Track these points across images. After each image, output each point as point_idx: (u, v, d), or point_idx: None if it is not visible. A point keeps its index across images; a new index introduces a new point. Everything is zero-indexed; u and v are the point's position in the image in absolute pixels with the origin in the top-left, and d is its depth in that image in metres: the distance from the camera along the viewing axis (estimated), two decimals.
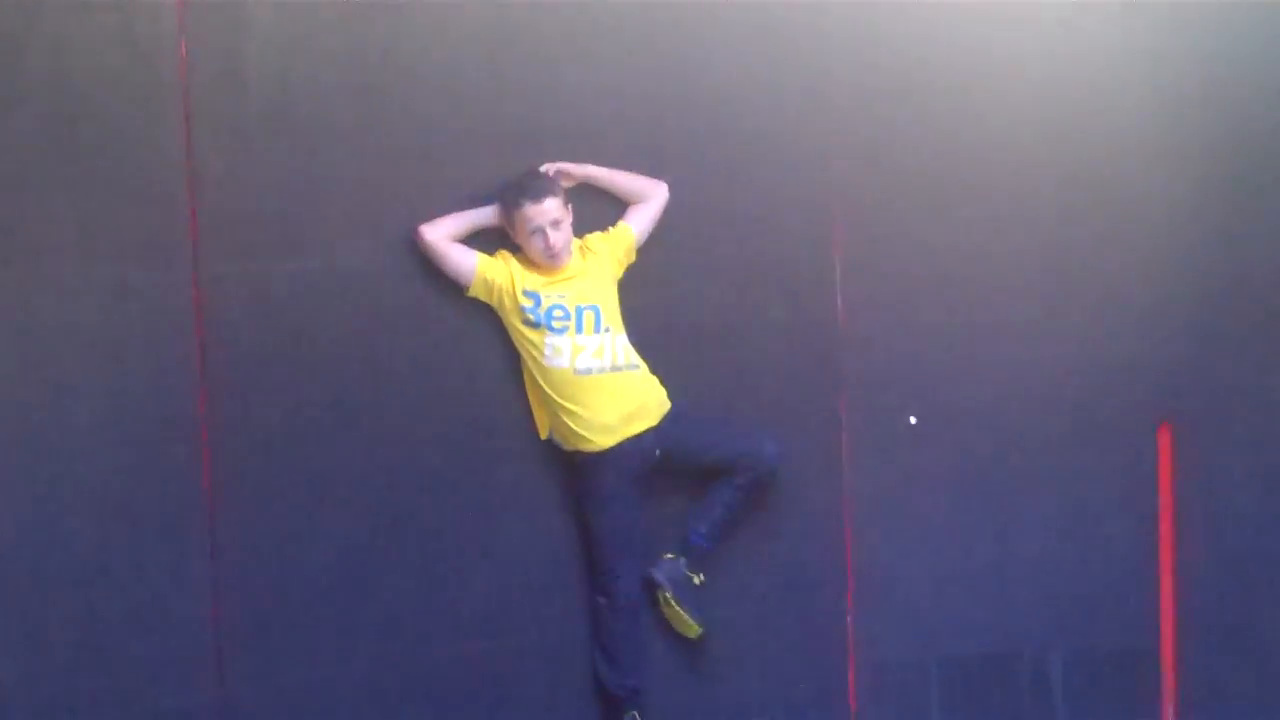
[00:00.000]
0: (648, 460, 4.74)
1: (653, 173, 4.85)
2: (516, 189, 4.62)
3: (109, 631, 4.32)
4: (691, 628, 4.86)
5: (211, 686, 4.45)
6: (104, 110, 4.31)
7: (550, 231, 4.59)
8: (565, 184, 4.65)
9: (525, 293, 4.63)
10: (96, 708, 4.29)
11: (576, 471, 4.77)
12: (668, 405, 4.80)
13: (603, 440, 4.69)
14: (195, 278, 4.43)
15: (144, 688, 4.36)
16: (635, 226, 4.77)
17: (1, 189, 4.20)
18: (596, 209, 4.76)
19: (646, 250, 4.83)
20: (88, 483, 4.30)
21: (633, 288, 4.78)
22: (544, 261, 4.64)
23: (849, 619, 5.07)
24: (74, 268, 4.30)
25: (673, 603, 4.82)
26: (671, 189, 4.84)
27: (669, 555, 4.85)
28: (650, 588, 4.85)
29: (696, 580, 4.86)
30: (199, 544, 4.44)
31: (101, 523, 4.32)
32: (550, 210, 4.60)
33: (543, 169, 4.62)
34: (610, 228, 4.78)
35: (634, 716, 4.85)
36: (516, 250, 4.70)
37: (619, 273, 4.76)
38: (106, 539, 4.32)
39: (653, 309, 4.78)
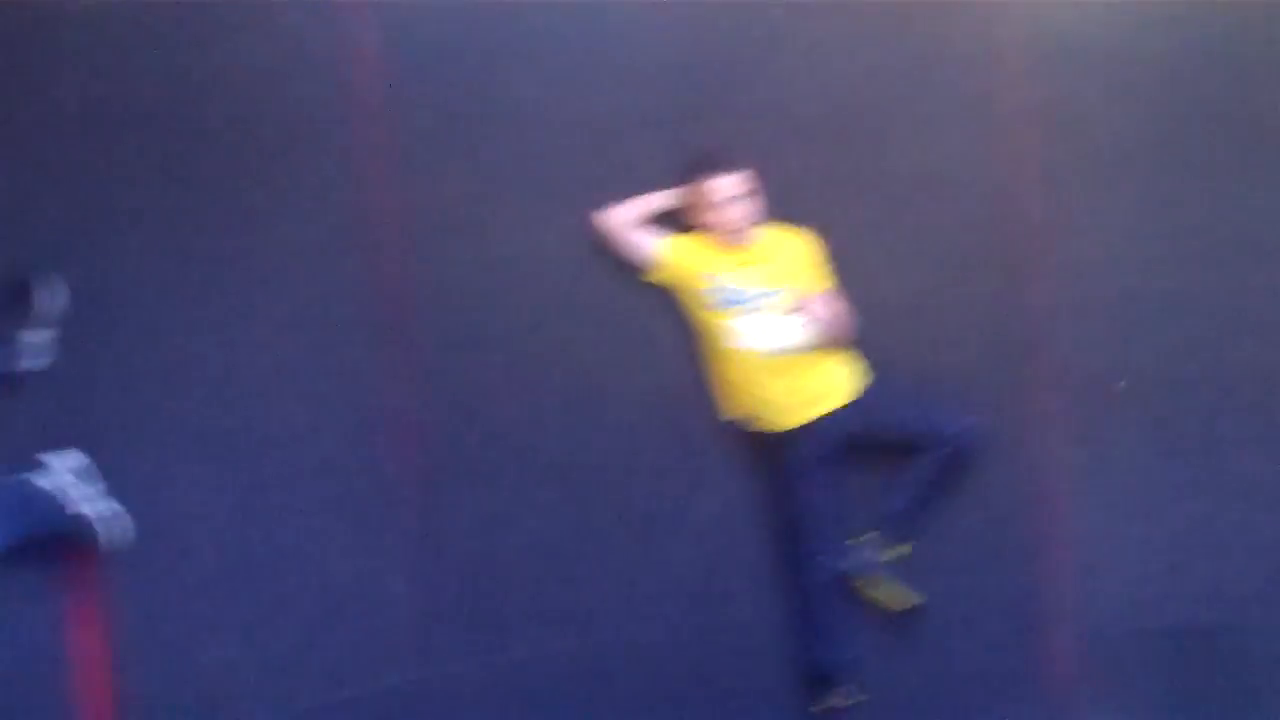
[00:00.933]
0: (840, 438, 4.71)
1: (835, 139, 4.78)
2: (703, 162, 4.61)
3: (320, 613, 4.52)
4: (904, 600, 4.84)
5: (417, 665, 4.61)
6: (283, 112, 4.46)
7: (736, 205, 4.56)
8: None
9: (709, 276, 4.62)
10: (310, 685, 4.48)
11: (767, 451, 4.76)
12: (859, 383, 4.72)
13: (789, 420, 4.68)
14: (387, 269, 4.54)
15: (353, 666, 4.54)
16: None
17: (206, 188, 4.36)
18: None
19: (833, 223, 4.77)
20: (298, 471, 4.48)
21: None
22: (727, 237, 4.61)
23: (1058, 589, 4.96)
24: (278, 261, 4.47)
25: (878, 584, 4.81)
26: (859, 157, 4.79)
27: (862, 538, 4.80)
28: (855, 573, 4.82)
29: (900, 554, 4.82)
30: (404, 527, 4.59)
31: (311, 509, 4.50)
32: (737, 183, 4.56)
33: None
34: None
35: (843, 692, 4.83)
36: (697, 232, 4.64)
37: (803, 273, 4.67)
38: (316, 524, 4.51)
39: (842, 285, 4.70)
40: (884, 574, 4.80)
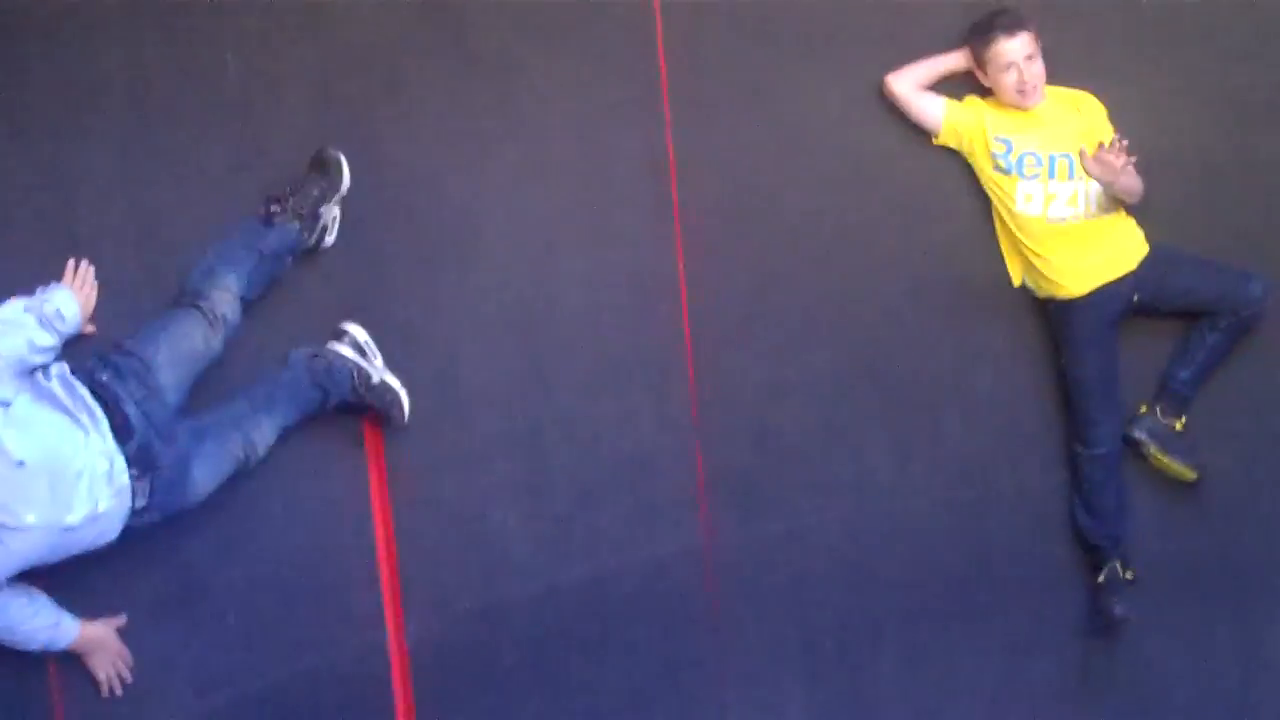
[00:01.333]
0: (1126, 305, 4.60)
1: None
2: (988, 24, 4.48)
3: (600, 484, 4.54)
4: (1185, 474, 4.75)
5: (697, 533, 4.63)
6: None
7: (1024, 65, 4.44)
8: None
9: (997, 139, 4.51)
10: (590, 554, 4.54)
11: (1051, 318, 4.68)
12: (1145, 249, 4.61)
13: (1077, 287, 4.57)
14: (669, 137, 4.49)
15: (633, 536, 4.58)
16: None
17: (494, 64, 4.35)
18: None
19: (1121, 81, 4.64)
20: (576, 344, 4.50)
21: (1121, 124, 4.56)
22: (1016, 99, 4.49)
23: None
24: (555, 136, 4.45)
25: (1160, 456, 4.72)
26: (1142, 12, 4.65)
27: (1144, 408, 4.71)
28: (1134, 445, 4.72)
29: (1178, 426, 4.71)
30: (681, 396, 4.59)
31: (590, 378, 4.51)
32: (1024, 44, 4.44)
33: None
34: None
35: (1115, 567, 4.77)
36: (986, 95, 4.51)
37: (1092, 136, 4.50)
38: (595, 394, 4.52)
39: (1142, 142, 4.50)
40: (1168, 448, 4.68)
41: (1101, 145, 4.35)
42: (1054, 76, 4.50)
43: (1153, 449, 4.69)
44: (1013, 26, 4.43)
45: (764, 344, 4.61)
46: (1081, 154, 4.36)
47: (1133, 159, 4.36)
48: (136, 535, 3.74)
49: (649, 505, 4.57)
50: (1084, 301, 4.56)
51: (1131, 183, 4.43)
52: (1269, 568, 4.85)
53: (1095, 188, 4.46)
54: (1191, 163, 4.68)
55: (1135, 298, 4.57)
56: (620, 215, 4.47)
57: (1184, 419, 4.72)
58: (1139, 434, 4.69)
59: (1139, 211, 4.59)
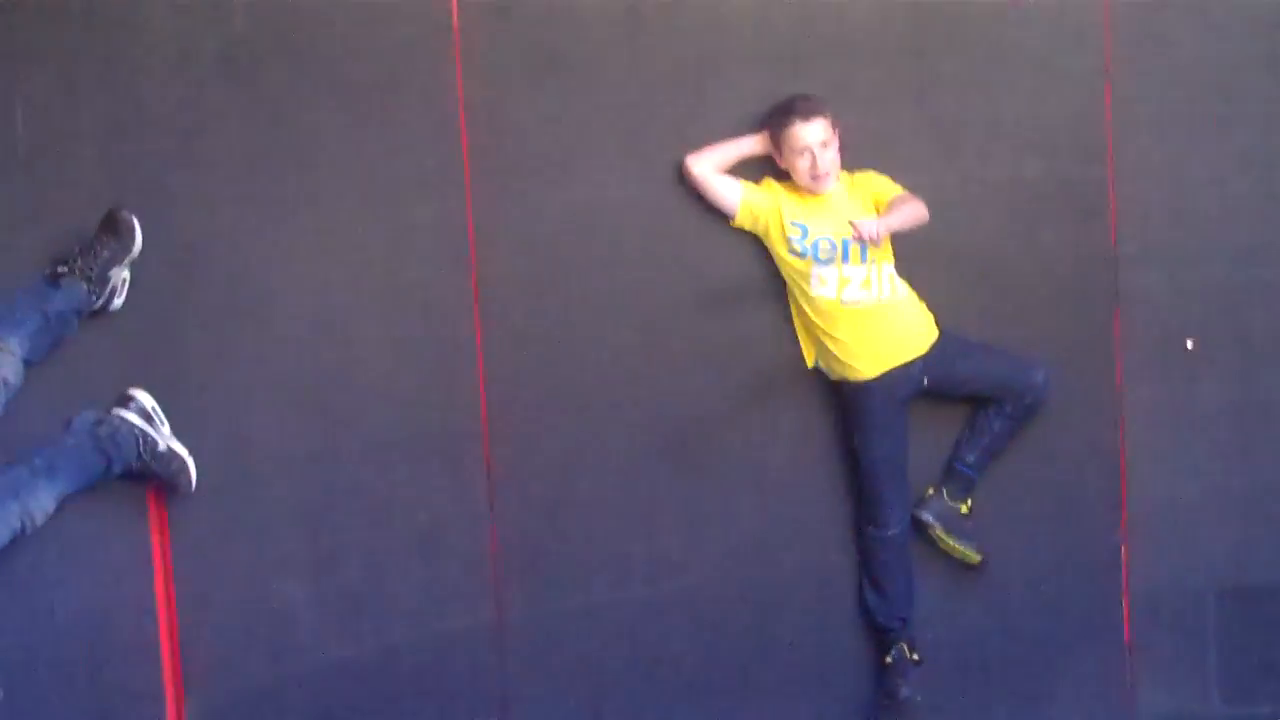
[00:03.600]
0: (915, 388, 4.71)
1: (918, 84, 4.78)
2: (785, 109, 4.58)
3: (392, 556, 4.48)
4: (970, 557, 4.85)
5: (490, 610, 4.60)
6: (378, 51, 4.37)
7: (818, 152, 4.54)
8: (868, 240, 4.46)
9: (793, 223, 4.61)
10: (380, 627, 4.47)
11: (843, 400, 4.77)
12: (935, 333, 4.73)
13: (869, 369, 4.66)
14: (469, 210, 4.50)
15: (425, 610, 4.52)
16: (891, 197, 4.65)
17: (286, 129, 4.28)
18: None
19: (913, 170, 4.76)
20: (370, 413, 4.44)
21: None
22: (809, 185, 4.59)
23: (1124, 547, 4.97)
24: (354, 204, 4.40)
25: (946, 538, 4.82)
26: (935, 104, 4.79)
27: (930, 491, 4.82)
28: (922, 527, 4.81)
29: (964, 509, 4.82)
30: (476, 472, 4.57)
31: (383, 450, 4.45)
32: (819, 130, 4.54)
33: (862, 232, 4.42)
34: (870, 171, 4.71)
35: (902, 648, 4.84)
36: (782, 179, 4.60)
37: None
38: (388, 466, 4.46)
39: (919, 233, 4.63)
40: (953, 530, 4.79)
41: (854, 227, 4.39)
42: (848, 163, 4.57)
43: (939, 531, 4.79)
44: (809, 112, 4.53)
45: (560, 419, 4.61)
46: (856, 236, 4.42)
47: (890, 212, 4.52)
48: None
49: (440, 580, 4.53)
50: (875, 383, 4.65)
51: (901, 221, 4.51)
52: (1051, 648, 4.96)
53: (888, 270, 4.56)
54: (980, 251, 4.84)
55: (925, 381, 4.68)
56: (419, 285, 4.46)
57: (969, 502, 4.80)
58: (926, 516, 4.79)
59: (929, 297, 4.67)
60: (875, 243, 4.39)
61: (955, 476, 4.82)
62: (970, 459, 4.79)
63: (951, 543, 4.82)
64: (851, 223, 4.36)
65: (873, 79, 4.74)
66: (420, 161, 4.43)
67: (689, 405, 4.72)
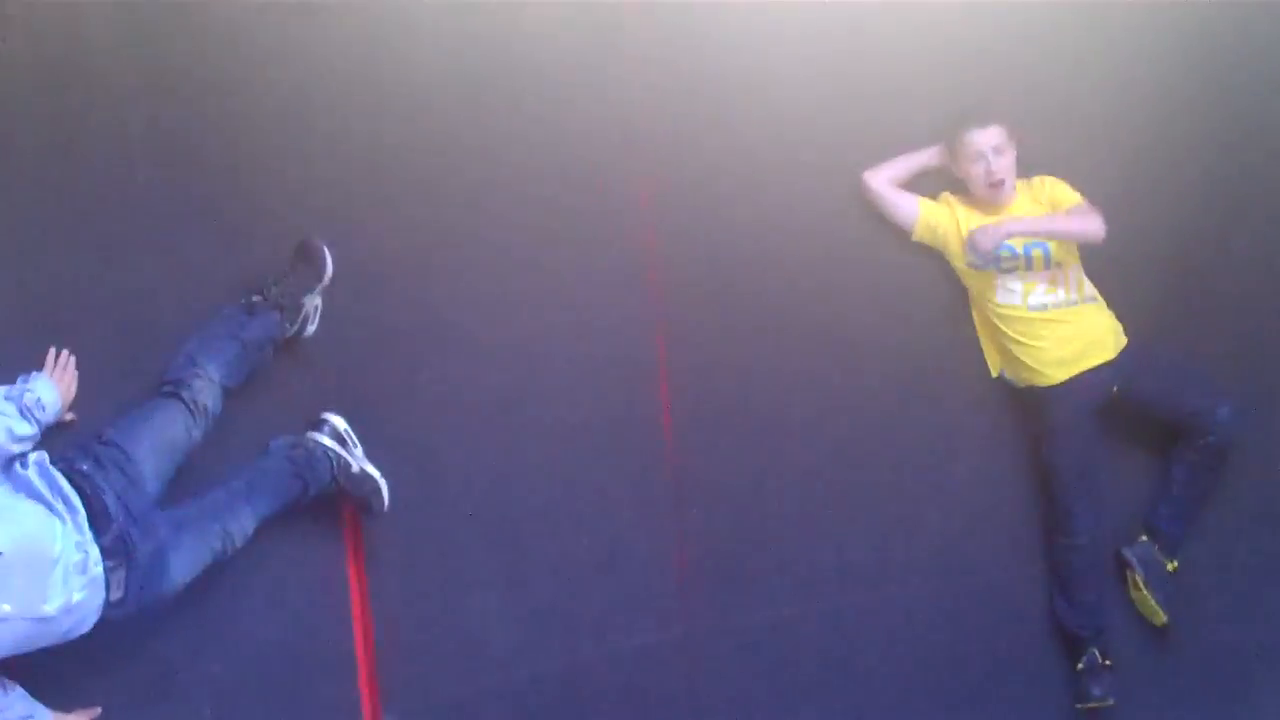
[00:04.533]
0: (1104, 395, 4.64)
1: (1099, 88, 4.64)
2: (959, 116, 4.55)
3: (581, 572, 4.52)
4: (1157, 615, 4.77)
5: (676, 624, 4.62)
6: (556, 68, 4.44)
7: (993, 158, 4.49)
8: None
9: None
10: (570, 642, 4.51)
11: (1030, 407, 4.71)
12: (1124, 340, 4.63)
13: (1057, 374, 4.61)
14: (651, 228, 4.54)
15: (613, 625, 4.56)
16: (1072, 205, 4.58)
17: (472, 163, 4.34)
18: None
19: (1102, 171, 4.70)
20: (557, 434, 4.47)
21: None
22: (986, 193, 4.55)
23: None
24: (538, 229, 4.45)
25: (1141, 586, 4.75)
26: (1118, 108, 4.69)
27: (1144, 536, 4.75)
28: (1121, 565, 4.76)
29: (1170, 567, 4.75)
30: (662, 487, 4.58)
31: (571, 468, 4.49)
32: (993, 136, 4.50)
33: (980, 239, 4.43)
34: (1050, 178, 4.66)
35: (1094, 654, 4.78)
36: (960, 192, 4.55)
37: None
38: (576, 483, 4.50)
39: (1112, 239, 4.57)
40: (1151, 582, 4.74)
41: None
42: (1031, 169, 4.51)
43: (1138, 577, 4.74)
44: (984, 118, 4.50)
45: (745, 433, 4.61)
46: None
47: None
48: (113, 626, 3.67)
49: (629, 595, 4.55)
50: (1063, 389, 4.59)
51: (1040, 228, 4.44)
52: (1246, 655, 4.84)
53: (1075, 273, 4.50)
54: (1169, 257, 4.76)
55: (1114, 388, 4.57)
56: (601, 305, 4.48)
57: (1176, 563, 4.74)
58: (1130, 556, 4.74)
59: (1119, 305, 4.61)
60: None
61: (1155, 529, 4.75)
62: (1164, 511, 4.75)
63: (1145, 593, 4.74)
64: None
65: (1053, 85, 4.66)
66: (602, 181, 4.46)
67: (874, 417, 4.70)
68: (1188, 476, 4.67)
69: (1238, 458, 4.71)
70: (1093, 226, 4.48)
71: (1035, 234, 4.46)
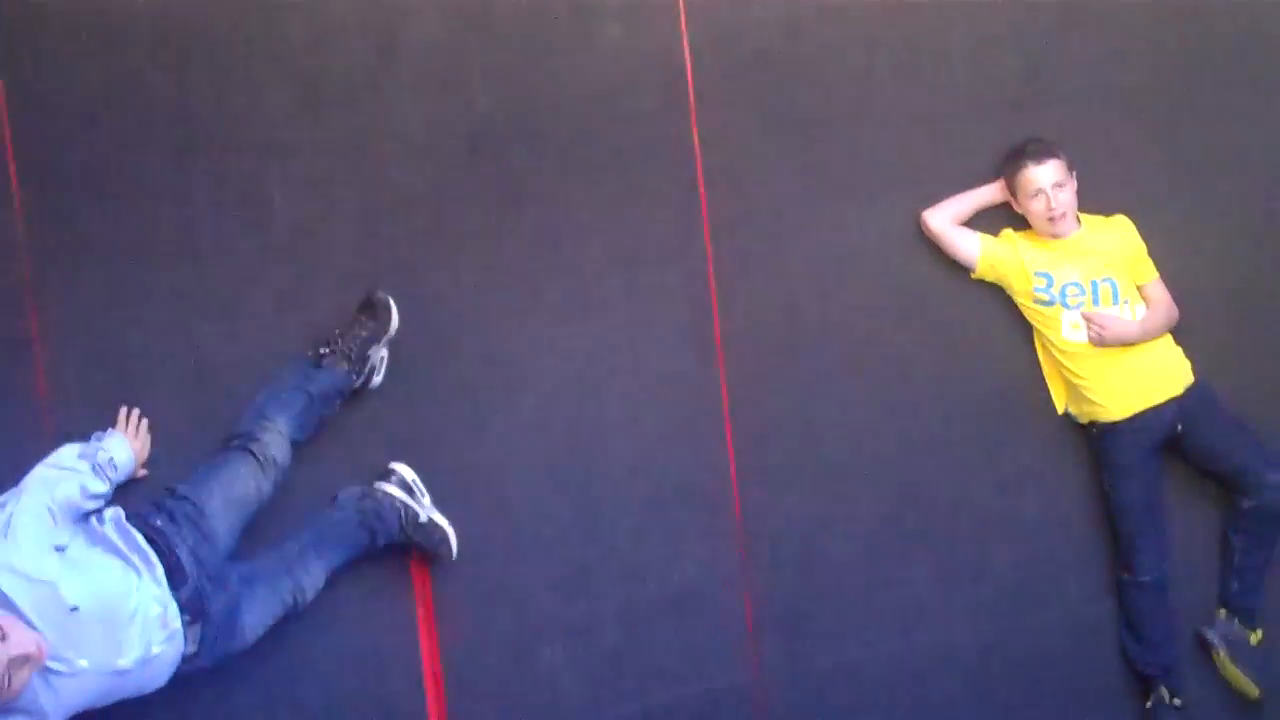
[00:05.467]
0: (1168, 433, 4.61)
1: (1158, 120, 4.66)
2: (1017, 153, 4.55)
3: (650, 618, 4.50)
4: (1249, 690, 4.71)
5: (747, 669, 4.59)
6: (615, 122, 4.43)
7: (1052, 193, 4.49)
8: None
9: (1038, 274, 4.55)
10: (640, 691, 4.49)
11: (1094, 443, 4.69)
12: (1191, 378, 4.62)
13: (1120, 410, 4.59)
14: (710, 269, 4.52)
15: (683, 672, 4.53)
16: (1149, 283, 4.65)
17: (529, 198, 4.35)
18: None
19: (1172, 201, 4.74)
20: (622, 479, 4.47)
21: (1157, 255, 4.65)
22: (1046, 228, 4.54)
23: None
24: (596, 267, 4.46)
25: (1228, 664, 4.70)
26: (1178, 139, 4.69)
27: (1222, 612, 4.72)
28: (1206, 646, 4.72)
29: (1253, 638, 4.71)
30: (729, 532, 4.56)
31: (638, 515, 4.49)
32: (1053, 172, 4.50)
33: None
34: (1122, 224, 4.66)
35: (1162, 692, 4.74)
36: (1022, 228, 4.55)
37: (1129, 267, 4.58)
38: (643, 530, 4.49)
39: (1181, 272, 4.61)
40: (1238, 657, 4.70)
41: (1098, 313, 4.49)
42: (1090, 204, 4.51)
43: (1223, 655, 4.69)
44: (1041, 154, 4.49)
45: (809, 476, 4.60)
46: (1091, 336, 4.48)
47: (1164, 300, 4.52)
48: (186, 679, 3.69)
49: (698, 642, 4.53)
50: (1127, 425, 4.58)
51: (1139, 332, 4.55)
52: None
53: (1141, 310, 4.50)
54: (1234, 292, 4.75)
55: (1178, 427, 4.56)
56: (664, 349, 4.49)
57: (1260, 632, 4.71)
58: (1212, 637, 4.69)
59: (1185, 341, 4.64)
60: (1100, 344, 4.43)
61: (1232, 606, 4.72)
62: (1234, 585, 4.70)
63: (1234, 670, 4.69)
64: (1086, 317, 4.43)
65: (1110, 118, 4.65)
66: (661, 225, 4.48)
67: (938, 455, 4.67)
68: (1247, 543, 4.66)
69: None
70: (1173, 314, 4.60)
71: (1131, 339, 4.54)
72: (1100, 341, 4.46)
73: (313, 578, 3.92)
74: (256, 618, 3.81)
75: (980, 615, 4.73)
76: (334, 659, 4.13)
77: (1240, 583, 4.68)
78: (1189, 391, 4.61)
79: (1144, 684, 4.78)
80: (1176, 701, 4.74)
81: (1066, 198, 4.51)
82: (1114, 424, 4.58)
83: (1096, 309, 4.49)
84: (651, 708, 4.49)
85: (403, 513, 4.07)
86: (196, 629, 3.64)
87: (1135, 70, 4.72)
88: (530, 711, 4.38)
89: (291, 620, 3.94)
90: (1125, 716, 4.82)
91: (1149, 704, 4.77)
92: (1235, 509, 4.65)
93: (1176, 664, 4.75)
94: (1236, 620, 4.70)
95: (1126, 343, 4.51)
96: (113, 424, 3.84)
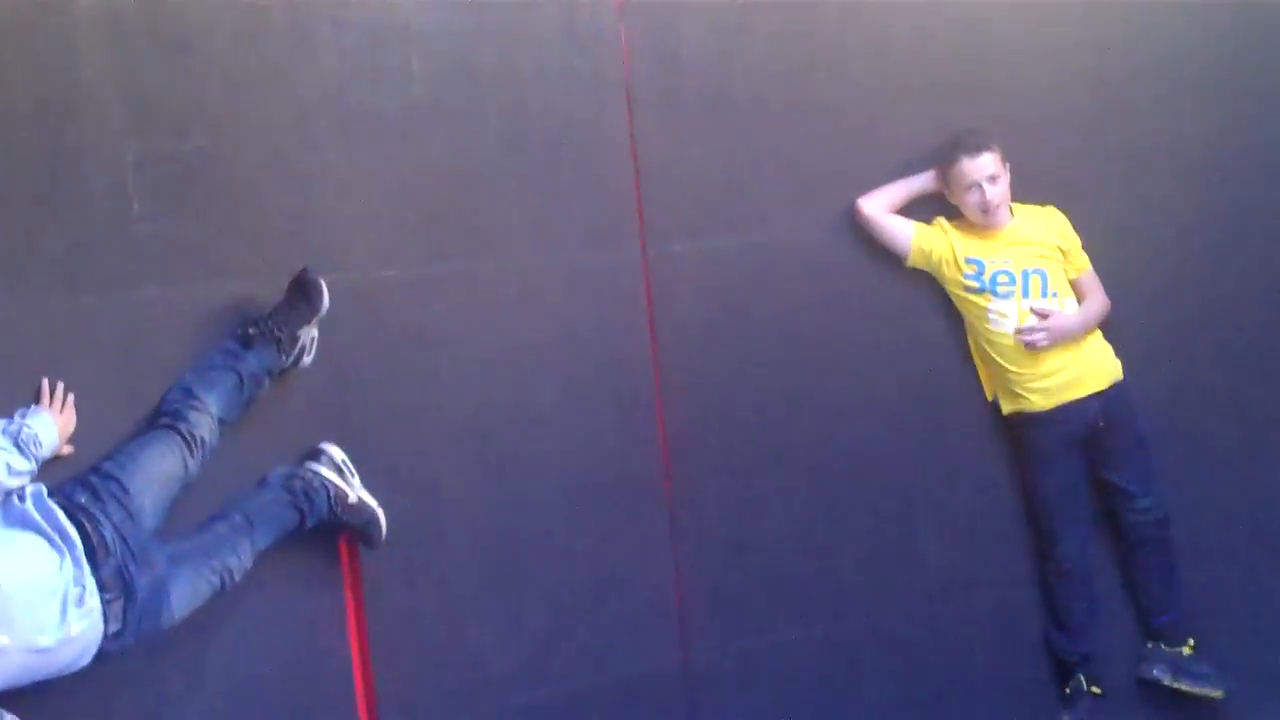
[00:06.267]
0: (1090, 426, 4.66)
1: (1093, 114, 4.71)
2: (952, 145, 4.57)
3: (578, 601, 4.51)
4: (1210, 694, 4.76)
5: (674, 651, 4.62)
6: (550, 105, 4.40)
7: (987, 186, 4.51)
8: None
9: (968, 260, 4.58)
10: (568, 672, 4.50)
11: (1017, 433, 4.73)
12: (1119, 375, 4.68)
13: (1043, 402, 4.63)
14: (644, 258, 4.53)
15: (612, 653, 4.55)
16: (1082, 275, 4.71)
17: (462, 184, 4.33)
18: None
19: (1099, 199, 4.78)
20: (553, 461, 4.47)
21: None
22: (981, 219, 4.57)
23: None
24: (530, 255, 4.45)
25: (1180, 687, 4.76)
26: (1112, 133, 4.74)
27: (1149, 645, 4.80)
28: (1153, 684, 4.79)
29: (1187, 650, 4.78)
30: (658, 516, 4.59)
31: (567, 498, 4.49)
32: (987, 165, 4.52)
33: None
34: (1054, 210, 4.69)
35: (1080, 679, 4.80)
36: (954, 217, 4.57)
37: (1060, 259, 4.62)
38: (573, 513, 4.50)
39: (1107, 267, 4.66)
40: (1188, 677, 4.76)
41: (1018, 331, 4.50)
42: (1023, 195, 4.53)
43: (1169, 682, 4.75)
44: (976, 147, 4.52)
45: (741, 460, 4.62)
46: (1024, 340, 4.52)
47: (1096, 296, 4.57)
48: (110, 658, 3.67)
49: (627, 622, 4.55)
50: (1048, 417, 4.61)
51: (1080, 324, 4.59)
52: (1243, 683, 4.83)
53: (1071, 304, 4.55)
54: (1164, 285, 4.80)
55: (1101, 422, 4.59)
56: (596, 332, 4.49)
57: (1191, 642, 4.78)
58: (1153, 672, 4.77)
59: (1113, 336, 4.70)
60: (1035, 348, 4.47)
61: (1155, 630, 4.81)
62: (1149, 603, 4.80)
63: (1187, 688, 4.74)
64: (1018, 331, 4.46)
65: (1045, 111, 4.65)
66: (594, 209, 4.47)
67: (869, 443, 4.72)
68: (1143, 562, 4.78)
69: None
70: (1106, 305, 4.67)
71: (1075, 334, 4.58)
72: (1048, 340, 4.49)
73: (240, 558, 3.90)
74: (183, 597, 3.78)
75: (908, 600, 4.78)
76: (262, 636, 4.09)
77: (1151, 603, 4.78)
78: (1114, 388, 4.64)
79: (1064, 671, 4.83)
80: (1095, 689, 4.80)
81: (1000, 189, 4.54)
82: (1035, 414, 4.61)
83: (1026, 301, 4.49)
84: (580, 688, 4.50)
85: (332, 493, 4.05)
86: (119, 607, 3.62)
87: (1069, 61, 4.71)
88: (458, 691, 4.37)
89: (217, 600, 3.89)
90: (1046, 702, 4.87)
91: (1067, 690, 4.83)
92: (1118, 527, 4.75)
93: (1096, 652, 4.81)
94: (1162, 644, 4.77)
95: (1070, 337, 4.50)
96: (36, 400, 3.79)
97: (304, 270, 3.99)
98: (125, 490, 3.68)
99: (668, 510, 4.55)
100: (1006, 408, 4.67)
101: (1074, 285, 4.60)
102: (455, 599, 4.36)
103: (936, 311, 4.70)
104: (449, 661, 4.35)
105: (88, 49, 3.86)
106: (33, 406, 3.73)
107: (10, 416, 3.70)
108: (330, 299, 4.00)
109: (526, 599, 4.44)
